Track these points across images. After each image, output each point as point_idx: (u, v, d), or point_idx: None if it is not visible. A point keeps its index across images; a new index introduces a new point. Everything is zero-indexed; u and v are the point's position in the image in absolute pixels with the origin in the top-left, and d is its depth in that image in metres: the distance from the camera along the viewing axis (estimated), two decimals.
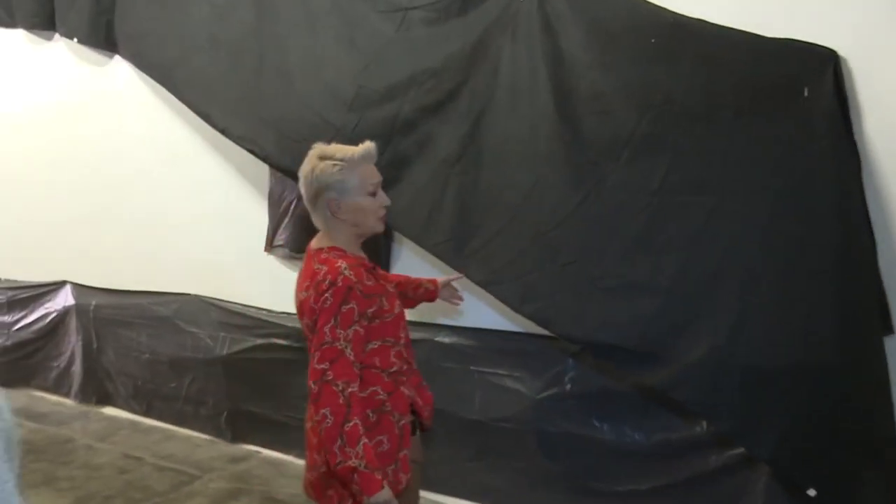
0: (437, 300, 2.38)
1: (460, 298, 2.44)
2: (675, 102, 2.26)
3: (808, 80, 2.12)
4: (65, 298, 4.32)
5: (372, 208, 1.92)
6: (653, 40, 2.32)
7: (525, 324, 2.83)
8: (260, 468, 3.46)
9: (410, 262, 3.06)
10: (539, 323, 2.51)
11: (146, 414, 4.07)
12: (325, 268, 1.85)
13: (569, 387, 2.74)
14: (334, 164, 1.87)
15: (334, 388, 1.77)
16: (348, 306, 1.81)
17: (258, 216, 3.47)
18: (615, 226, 2.33)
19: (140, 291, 4.00)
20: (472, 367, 2.93)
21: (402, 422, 1.93)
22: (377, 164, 1.97)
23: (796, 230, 2.17)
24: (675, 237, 2.27)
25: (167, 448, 3.73)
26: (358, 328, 1.83)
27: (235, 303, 3.65)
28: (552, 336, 2.78)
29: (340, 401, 1.76)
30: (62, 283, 4.33)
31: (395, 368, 1.94)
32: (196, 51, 3.23)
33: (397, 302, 1.97)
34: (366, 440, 1.76)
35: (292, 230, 3.31)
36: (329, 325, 1.80)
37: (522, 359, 2.84)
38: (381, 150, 2.56)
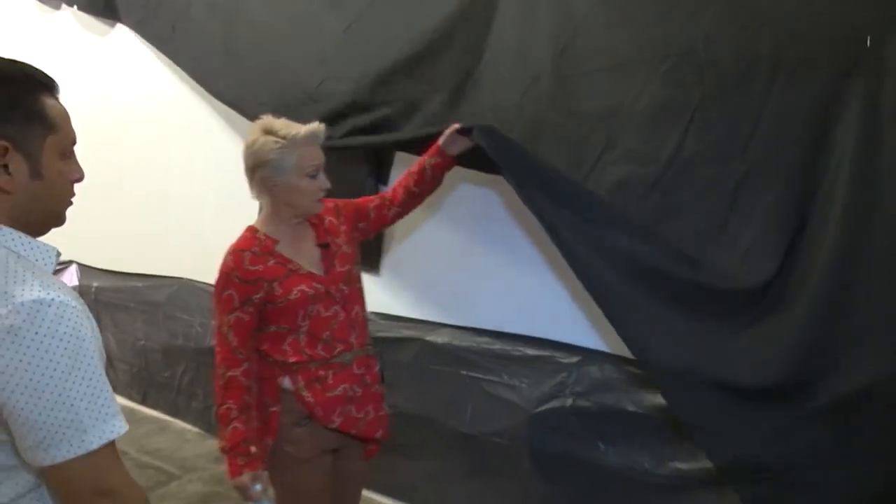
0: (450, 150, 2.04)
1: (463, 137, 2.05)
2: (696, 54, 1.84)
3: (873, 27, 1.66)
4: (70, 279, 4.18)
5: (308, 190, 1.85)
6: None
7: (526, 326, 2.48)
8: None
9: (403, 236, 2.74)
10: None
11: (143, 403, 3.89)
12: None
13: (570, 401, 2.34)
14: (276, 142, 1.80)
15: (218, 371, 1.83)
16: (227, 293, 1.82)
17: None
18: (613, 214, 1.91)
19: (137, 274, 3.81)
20: (464, 372, 2.57)
21: (272, 408, 1.87)
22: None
23: (854, 215, 1.70)
24: (688, 226, 1.84)
25: (156, 442, 3.52)
26: (240, 315, 1.82)
27: None
28: (556, 342, 2.42)
29: (220, 383, 1.82)
30: (69, 263, 4.20)
31: (280, 357, 1.85)
32: (187, 14, 3.02)
33: (300, 287, 1.84)
34: (237, 424, 1.79)
35: None
36: (217, 311, 1.84)
37: (521, 366, 2.46)
38: (346, 109, 2.21)
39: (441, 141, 2.03)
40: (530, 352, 2.44)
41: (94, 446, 1.01)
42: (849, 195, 1.70)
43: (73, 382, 0.99)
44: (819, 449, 1.74)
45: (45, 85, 1.09)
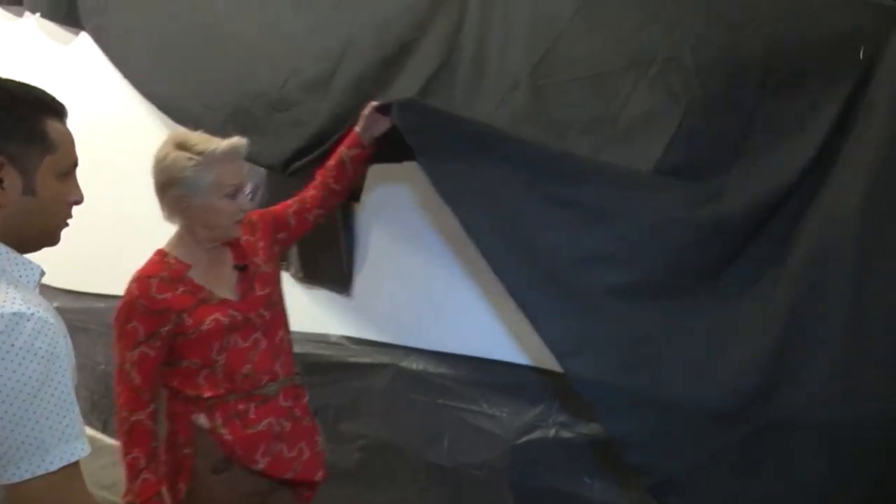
0: (369, 136, 1.86)
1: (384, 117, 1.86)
2: (683, 59, 1.72)
3: (867, 38, 1.55)
4: None
5: (227, 212, 1.67)
6: None
7: (506, 351, 2.33)
8: None
9: (376, 255, 2.60)
10: None
11: (104, 431, 3.69)
12: None
13: (554, 432, 2.20)
14: (190, 158, 1.66)
15: (121, 415, 1.68)
16: (130, 325, 1.66)
17: None
18: (572, 237, 1.75)
19: (98, 294, 3.63)
20: (440, 401, 2.42)
21: (185, 450, 1.71)
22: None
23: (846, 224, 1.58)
24: (655, 249, 1.72)
25: (113, 475, 3.28)
26: (145, 350, 1.65)
27: None
28: (538, 368, 2.28)
29: (124, 429, 1.67)
30: None
31: (193, 392, 1.69)
32: (146, 19, 2.89)
33: (214, 317, 1.68)
34: (147, 476, 1.64)
35: None
36: (118, 347, 1.68)
37: (501, 393, 2.32)
38: (311, 117, 2.10)
39: (358, 126, 1.85)
40: (511, 379, 2.30)
41: (55, 467, 1.01)
42: (845, 205, 1.59)
43: (42, 399, 1.00)
44: (772, 469, 1.62)
45: (52, 108, 1.15)
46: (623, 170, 1.77)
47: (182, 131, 1.73)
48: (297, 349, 2.64)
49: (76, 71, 3.63)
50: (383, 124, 1.83)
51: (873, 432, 1.55)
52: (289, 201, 1.93)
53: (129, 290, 1.69)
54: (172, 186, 1.67)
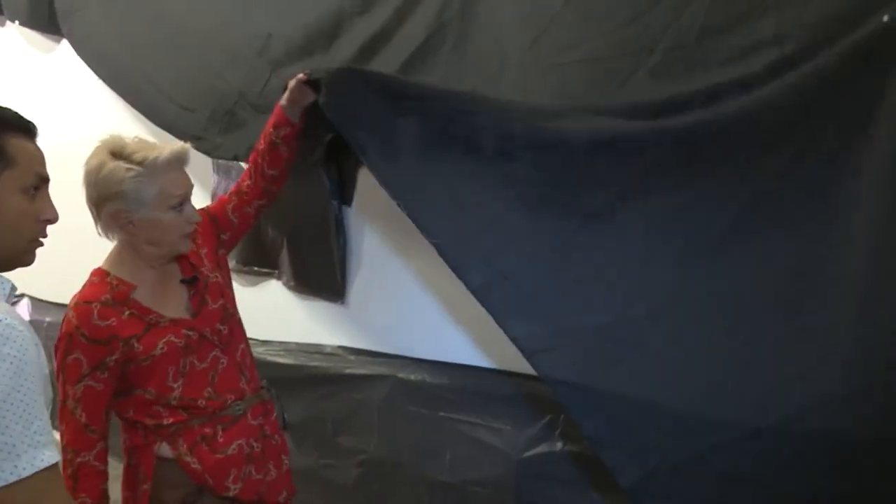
0: (298, 110, 1.73)
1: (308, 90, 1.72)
2: (685, 51, 1.61)
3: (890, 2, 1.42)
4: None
5: (174, 225, 1.54)
6: None
7: (509, 361, 2.21)
8: None
9: (371, 260, 2.49)
10: None
11: None
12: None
13: (560, 445, 2.08)
14: (129, 169, 1.51)
15: (66, 456, 1.54)
16: (72, 356, 1.51)
17: None
18: (534, 220, 1.65)
19: None
20: (441, 414, 2.30)
21: (144, 486, 1.58)
22: None
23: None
24: (630, 245, 1.62)
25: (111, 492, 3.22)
26: (91, 383, 1.50)
27: None
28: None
29: (68, 472, 1.53)
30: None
31: (152, 421, 1.57)
32: (115, 16, 2.81)
33: (167, 339, 1.55)
34: None
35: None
36: (61, 381, 1.53)
37: (504, 405, 2.20)
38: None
39: (283, 101, 1.70)
40: (515, 389, 2.17)
41: (27, 473, 1.01)
42: (864, 198, 1.47)
43: (11, 405, 0.99)
44: (762, 476, 1.52)
45: (12, 125, 1.13)
46: (599, 120, 1.65)
47: (116, 137, 1.57)
48: (291, 360, 2.57)
49: (59, 80, 3.53)
50: (311, 96, 1.69)
51: (883, 434, 1.43)
52: (224, 196, 1.80)
53: (67, 319, 1.53)
54: (110, 201, 1.53)
